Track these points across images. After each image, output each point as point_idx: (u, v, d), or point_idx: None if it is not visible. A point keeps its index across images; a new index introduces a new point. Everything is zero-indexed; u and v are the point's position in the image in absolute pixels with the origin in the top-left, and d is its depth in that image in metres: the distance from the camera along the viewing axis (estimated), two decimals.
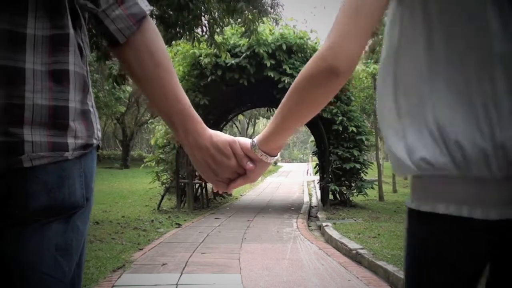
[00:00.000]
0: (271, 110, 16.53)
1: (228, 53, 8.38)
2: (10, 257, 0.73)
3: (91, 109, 0.83)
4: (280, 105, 0.85)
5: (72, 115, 0.77)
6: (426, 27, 0.75)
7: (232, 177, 0.94)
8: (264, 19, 9.68)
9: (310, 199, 12.58)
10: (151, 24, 0.85)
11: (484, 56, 0.71)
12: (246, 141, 0.92)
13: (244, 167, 0.91)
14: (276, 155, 0.91)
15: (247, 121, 29.08)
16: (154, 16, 6.59)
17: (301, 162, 51.68)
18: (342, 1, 0.79)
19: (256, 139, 0.90)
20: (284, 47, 9.19)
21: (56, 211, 0.75)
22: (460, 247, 0.75)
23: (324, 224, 7.10)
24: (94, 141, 0.82)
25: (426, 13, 0.75)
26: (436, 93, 0.74)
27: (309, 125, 11.74)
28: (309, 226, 7.78)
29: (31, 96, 0.71)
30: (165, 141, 9.96)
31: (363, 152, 10.06)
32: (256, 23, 7.22)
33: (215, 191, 0.96)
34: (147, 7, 0.84)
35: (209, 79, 9.43)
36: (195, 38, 6.95)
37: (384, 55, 0.83)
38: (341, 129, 9.54)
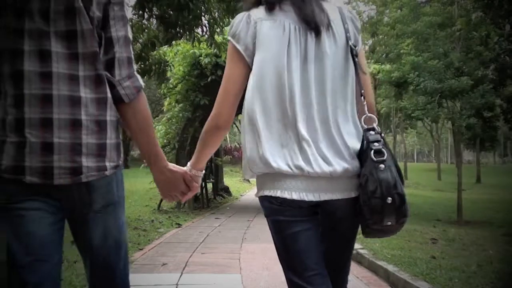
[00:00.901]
0: None
1: None
2: (79, 231, 1.39)
3: (120, 141, 1.36)
4: (197, 145, 1.50)
5: (109, 148, 1.30)
6: (256, 90, 1.35)
7: (180, 194, 1.55)
8: None
9: None
10: (144, 94, 1.38)
11: (284, 115, 1.32)
12: (186, 168, 1.53)
13: (190, 187, 1.54)
14: (203, 170, 1.56)
15: None
16: (154, 16, 6.59)
17: None
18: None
19: (189, 163, 1.54)
20: None
21: (104, 206, 1.33)
22: (297, 213, 1.34)
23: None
24: (120, 162, 1.36)
25: (255, 80, 1.35)
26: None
27: None
28: None
29: (86, 137, 1.25)
30: (165, 141, 9.96)
31: None
32: None
33: (167, 201, 1.64)
34: (142, 83, 1.37)
35: (209, 79, 9.42)
36: (195, 38, 6.94)
37: None
38: None
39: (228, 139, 42.84)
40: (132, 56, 1.37)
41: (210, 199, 11.85)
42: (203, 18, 6.78)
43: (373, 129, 1.30)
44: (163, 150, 8.85)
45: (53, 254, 1.37)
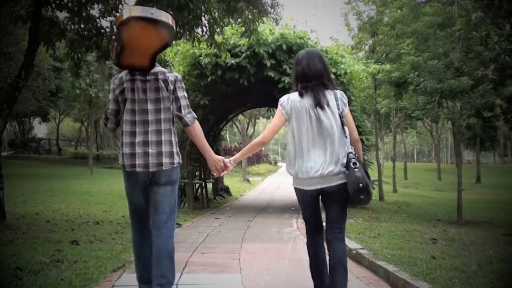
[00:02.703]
0: (271, 110, 16.43)
1: (228, 53, 8.36)
2: (154, 196, 2.79)
3: (178, 150, 2.86)
4: (244, 149, 3.08)
5: (175, 153, 2.80)
6: (291, 134, 2.86)
7: (221, 169, 2.98)
8: (264, 19, 9.65)
9: None
10: (196, 120, 2.90)
11: (301, 150, 2.83)
12: (226, 159, 3.00)
13: (226, 168, 2.99)
14: (236, 163, 3.07)
15: (247, 121, 29.02)
16: None
17: None
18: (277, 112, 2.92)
19: (231, 158, 3.03)
20: (284, 47, 9.16)
21: (169, 183, 2.79)
22: (306, 195, 2.88)
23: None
24: (180, 161, 2.85)
25: (291, 129, 2.85)
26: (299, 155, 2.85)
27: None
28: None
29: (164, 148, 2.76)
30: None
31: (363, 152, 10.04)
32: (256, 23, 7.20)
33: (215, 175, 3.07)
34: (195, 115, 2.91)
35: (209, 79, 9.42)
36: (195, 38, 6.93)
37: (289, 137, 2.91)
38: None
39: (228, 139, 42.84)
40: (188, 102, 2.88)
41: (210, 199, 11.85)
42: (203, 18, 6.78)
43: (352, 152, 2.73)
44: None
45: (146, 202, 2.85)
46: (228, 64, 9.09)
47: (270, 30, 9.51)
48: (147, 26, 2.56)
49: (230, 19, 7.95)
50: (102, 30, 6.83)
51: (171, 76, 2.79)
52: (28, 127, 38.76)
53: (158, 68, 2.80)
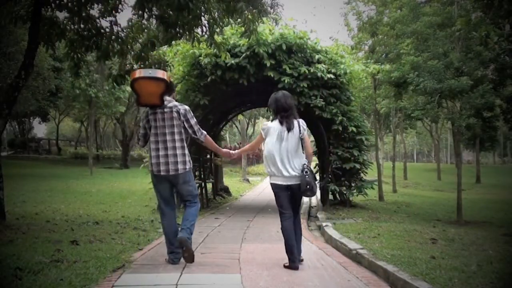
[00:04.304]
0: (271, 110, 16.41)
1: (228, 53, 8.35)
2: (180, 191, 4.42)
3: (190, 160, 4.42)
4: (245, 147, 5.36)
5: (187, 162, 4.35)
6: (267, 148, 4.34)
7: (228, 154, 4.97)
8: (264, 19, 9.64)
9: (310, 199, 12.58)
10: (207, 135, 4.57)
11: (274, 160, 4.30)
12: (232, 152, 5.00)
13: (231, 155, 4.94)
14: (236, 156, 5.06)
15: (247, 121, 29.00)
16: (154, 16, 6.58)
17: None
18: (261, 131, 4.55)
19: (235, 151, 5.05)
20: (284, 47, 9.15)
21: (186, 182, 4.37)
22: (281, 188, 4.28)
23: (324, 224, 7.09)
24: (191, 166, 4.43)
25: (267, 145, 4.35)
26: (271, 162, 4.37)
27: (309, 124, 11.71)
28: (309, 226, 7.78)
29: (179, 159, 4.30)
30: None
31: (363, 152, 10.03)
32: (256, 23, 7.20)
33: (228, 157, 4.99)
34: (205, 132, 4.55)
35: (209, 79, 9.40)
36: (195, 38, 6.93)
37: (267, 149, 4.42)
38: (341, 129, 9.52)
39: (228, 139, 42.82)
40: (198, 126, 4.42)
41: (210, 199, 11.84)
42: (202, 18, 6.77)
43: (305, 164, 4.20)
44: None
45: (173, 200, 4.48)
46: (228, 64, 9.08)
47: (270, 30, 9.50)
48: (149, 80, 4.16)
49: (230, 19, 7.94)
50: (102, 30, 6.83)
51: (181, 109, 4.28)
52: (28, 127, 38.74)
53: (172, 103, 4.31)
